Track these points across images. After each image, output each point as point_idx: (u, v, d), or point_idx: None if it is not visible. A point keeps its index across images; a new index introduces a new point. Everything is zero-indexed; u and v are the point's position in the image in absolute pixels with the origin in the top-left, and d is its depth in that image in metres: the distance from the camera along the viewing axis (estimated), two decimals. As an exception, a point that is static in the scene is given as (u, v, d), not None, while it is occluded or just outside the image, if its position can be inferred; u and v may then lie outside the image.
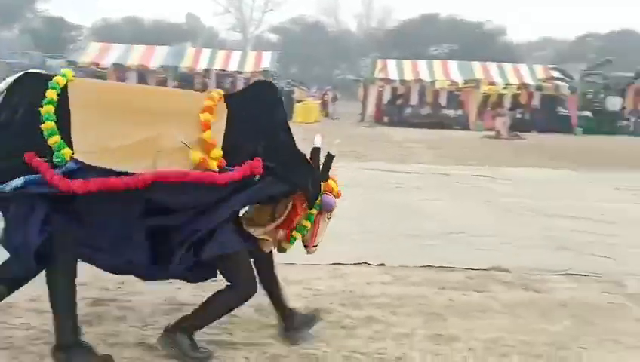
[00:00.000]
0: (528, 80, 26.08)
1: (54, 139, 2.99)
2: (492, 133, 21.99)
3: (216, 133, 3.12)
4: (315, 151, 3.42)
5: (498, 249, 5.57)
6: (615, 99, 25.58)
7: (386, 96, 27.35)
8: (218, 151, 3.08)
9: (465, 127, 25.14)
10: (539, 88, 25.75)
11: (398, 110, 27.30)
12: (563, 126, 24.19)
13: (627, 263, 5.38)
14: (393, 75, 26.60)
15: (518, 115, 25.27)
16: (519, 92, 25.87)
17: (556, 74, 26.38)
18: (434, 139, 19.63)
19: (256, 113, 3.25)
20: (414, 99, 27.17)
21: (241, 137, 3.16)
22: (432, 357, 3.34)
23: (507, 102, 26.25)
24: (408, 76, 26.47)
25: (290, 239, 3.39)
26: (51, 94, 3.07)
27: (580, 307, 4.25)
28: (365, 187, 9.18)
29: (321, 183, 3.38)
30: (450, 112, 26.53)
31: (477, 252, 5.58)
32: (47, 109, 3.03)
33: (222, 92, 3.35)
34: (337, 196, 3.46)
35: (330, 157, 3.47)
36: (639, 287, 4.70)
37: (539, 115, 25.55)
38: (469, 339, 3.58)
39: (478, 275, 4.89)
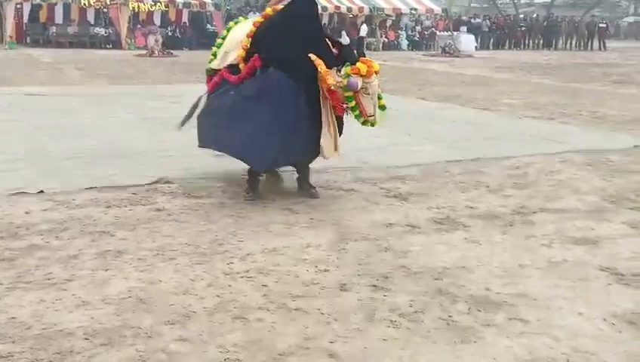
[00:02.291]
0: (175, -4, 26.13)
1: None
2: (145, 52, 21.77)
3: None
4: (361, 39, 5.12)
5: (159, 163, 5.71)
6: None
7: (26, 13, 24.86)
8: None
9: (117, 45, 24.36)
10: (187, 5, 26.05)
11: (42, 29, 25.11)
12: (212, 42, 24.97)
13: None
14: (30, -10, 24.20)
15: (169, 32, 25.35)
16: (168, 8, 25.85)
17: (202, -10, 26.88)
18: (86, 59, 18.72)
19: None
20: (59, 17, 25.26)
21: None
22: (102, 272, 3.38)
23: (157, 19, 26.07)
24: (49, -9, 24.36)
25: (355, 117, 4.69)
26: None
27: (236, 206, 4.66)
28: (11, 112, 8.47)
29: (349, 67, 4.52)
30: (101, 30, 25.36)
31: (140, 167, 5.65)
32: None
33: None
34: (369, 75, 4.49)
35: (361, 40, 5.03)
36: (288, 181, 5.30)
37: (189, 32, 25.99)
38: (137, 250, 3.71)
39: (143, 190, 5.00)
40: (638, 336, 2.86)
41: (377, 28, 28.88)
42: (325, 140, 4.70)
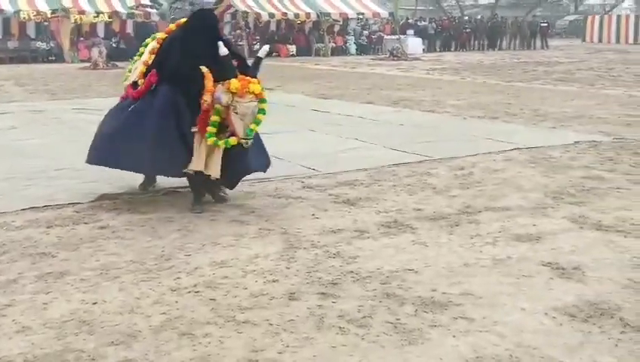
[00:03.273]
0: (119, 8, 25.75)
1: None
2: (89, 64, 21.38)
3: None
4: (258, 59, 4.74)
5: (103, 179, 5.57)
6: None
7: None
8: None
9: (60, 59, 23.87)
10: (130, 16, 25.70)
11: (-21, 45, 24.43)
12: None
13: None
14: (-34, 4, 23.51)
15: (114, 44, 24.96)
16: (111, 20, 25.45)
17: (145, 1, 26.57)
18: (25, 74, 18.27)
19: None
20: (-2, 32, 24.62)
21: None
22: (43, 296, 3.29)
23: (101, 31, 25.66)
24: (-14, 6, 23.71)
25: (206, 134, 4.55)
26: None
27: (184, 219, 4.61)
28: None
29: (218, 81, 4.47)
30: (42, 44, 24.79)
31: (83, 185, 5.53)
32: None
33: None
34: (240, 94, 4.42)
35: (258, 61, 4.74)
36: (233, 192, 5.27)
37: (134, 43, 25.62)
38: (80, 270, 3.63)
39: (86, 208, 4.90)
40: (577, 329, 2.93)
41: (325, 33, 29.00)
42: (195, 153, 4.67)
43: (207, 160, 4.66)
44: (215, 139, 4.55)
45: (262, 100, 4.58)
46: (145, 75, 4.93)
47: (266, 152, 5.12)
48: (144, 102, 4.86)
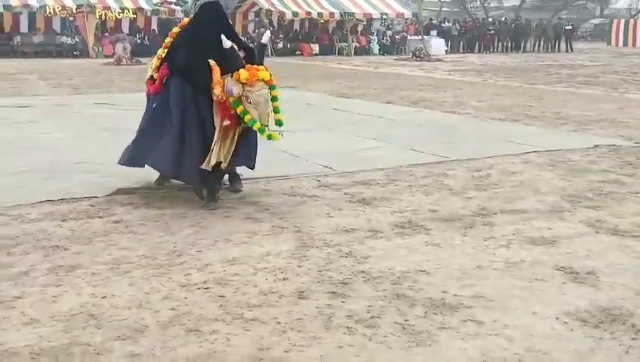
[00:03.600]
0: (144, 4, 25.96)
1: None
2: (113, 60, 21.58)
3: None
4: (262, 46, 4.97)
5: (122, 174, 5.60)
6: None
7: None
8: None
9: (84, 54, 24.13)
10: (155, 12, 25.89)
11: (7, 39, 24.77)
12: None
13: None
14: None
15: (138, 40, 25.17)
16: (136, 16, 25.66)
17: (171, -2, 26.76)
18: (50, 68, 18.49)
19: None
20: (24, 27, 24.95)
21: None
22: (53, 288, 3.31)
23: (125, 27, 25.90)
24: (14, 1, 24.05)
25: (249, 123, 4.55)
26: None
27: (197, 216, 4.61)
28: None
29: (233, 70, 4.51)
30: (67, 39, 25.09)
31: (100, 179, 5.57)
32: None
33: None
34: (250, 83, 4.44)
35: (262, 47, 4.94)
36: (248, 190, 5.28)
37: (158, 40, 25.80)
38: (92, 264, 3.65)
39: (102, 202, 4.93)
40: (588, 334, 2.88)
41: (348, 33, 28.96)
42: (217, 146, 4.67)
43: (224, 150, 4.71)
44: (261, 127, 4.56)
45: (272, 87, 4.62)
46: (158, 69, 4.99)
47: (256, 149, 5.10)
48: (162, 98, 4.92)
